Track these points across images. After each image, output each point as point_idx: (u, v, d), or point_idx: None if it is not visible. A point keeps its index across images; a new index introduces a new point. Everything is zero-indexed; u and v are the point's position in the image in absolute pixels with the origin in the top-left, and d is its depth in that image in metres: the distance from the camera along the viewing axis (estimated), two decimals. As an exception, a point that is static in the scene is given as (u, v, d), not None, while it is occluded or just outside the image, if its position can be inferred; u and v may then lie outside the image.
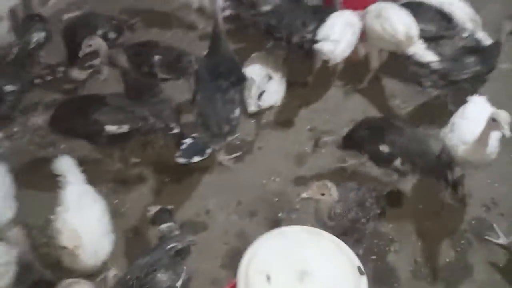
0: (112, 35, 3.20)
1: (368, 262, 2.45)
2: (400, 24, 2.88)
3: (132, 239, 2.58)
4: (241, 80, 2.79)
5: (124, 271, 2.15)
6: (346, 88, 3.33)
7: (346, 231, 2.23)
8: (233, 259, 2.47)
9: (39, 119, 2.66)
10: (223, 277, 2.41)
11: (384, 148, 2.54)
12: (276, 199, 2.72)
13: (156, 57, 2.98)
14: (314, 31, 3.04)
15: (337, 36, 2.92)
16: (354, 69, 3.35)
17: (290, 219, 2.62)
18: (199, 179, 2.81)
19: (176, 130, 2.71)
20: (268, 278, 1.62)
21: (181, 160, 2.47)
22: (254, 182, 2.79)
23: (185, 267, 2.09)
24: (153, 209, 2.28)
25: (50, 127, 2.65)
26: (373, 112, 3.15)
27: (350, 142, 2.69)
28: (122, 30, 3.30)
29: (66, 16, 3.73)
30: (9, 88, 2.72)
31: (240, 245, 2.53)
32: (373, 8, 3.04)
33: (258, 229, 2.58)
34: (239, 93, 2.76)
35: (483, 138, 2.23)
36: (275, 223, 2.60)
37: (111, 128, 2.60)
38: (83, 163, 2.82)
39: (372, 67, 3.24)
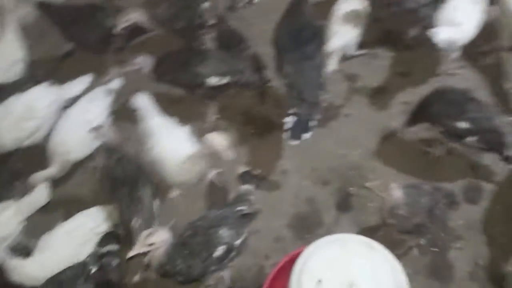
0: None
1: (429, 253, 2.52)
2: None
3: (214, 186, 2.84)
4: (323, 41, 2.76)
5: (200, 216, 2.42)
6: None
7: (408, 231, 2.29)
8: (299, 222, 2.66)
9: (145, 61, 2.85)
10: (286, 237, 2.63)
11: (462, 125, 2.43)
12: (351, 172, 2.77)
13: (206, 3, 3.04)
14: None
15: (462, 18, 2.64)
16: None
17: (360, 196, 2.69)
18: (279, 137, 2.92)
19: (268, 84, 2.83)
20: (319, 282, 1.79)
21: (293, 142, 2.55)
22: (333, 150, 2.84)
23: (246, 229, 2.33)
24: (241, 169, 2.51)
25: (153, 75, 2.85)
26: (478, 93, 2.90)
27: (423, 115, 2.58)
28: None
29: None
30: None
31: (308, 210, 2.70)
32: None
33: (328, 198, 2.72)
34: (323, 55, 2.73)
35: None
36: (345, 196, 2.71)
37: (213, 80, 2.74)
38: (179, 103, 3.09)
39: (497, 45, 2.92)
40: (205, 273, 2.21)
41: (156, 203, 2.53)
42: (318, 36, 2.75)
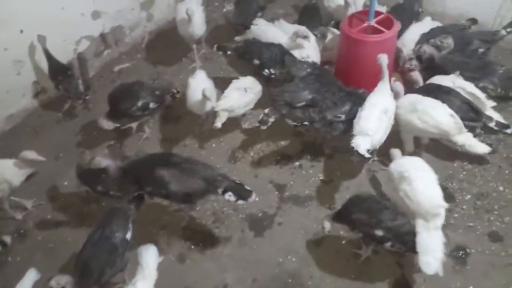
0: (152, 105, 3.47)
1: None
2: (444, 116, 3.01)
3: None
4: None
5: None
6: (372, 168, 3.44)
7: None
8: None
9: None
10: None
11: (378, 232, 2.67)
12: (290, 280, 2.87)
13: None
14: (348, 113, 3.26)
15: (374, 129, 3.01)
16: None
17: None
18: (221, 252, 3.04)
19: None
20: None
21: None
22: (271, 259, 2.96)
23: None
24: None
25: None
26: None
27: (345, 219, 2.80)
28: (164, 100, 3.56)
29: (117, 68, 4.08)
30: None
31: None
32: (405, 103, 3.15)
33: (271, 309, 2.77)
34: None
35: None
36: (287, 306, 2.77)
37: None
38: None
39: (407, 150, 3.28)
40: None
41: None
42: None
